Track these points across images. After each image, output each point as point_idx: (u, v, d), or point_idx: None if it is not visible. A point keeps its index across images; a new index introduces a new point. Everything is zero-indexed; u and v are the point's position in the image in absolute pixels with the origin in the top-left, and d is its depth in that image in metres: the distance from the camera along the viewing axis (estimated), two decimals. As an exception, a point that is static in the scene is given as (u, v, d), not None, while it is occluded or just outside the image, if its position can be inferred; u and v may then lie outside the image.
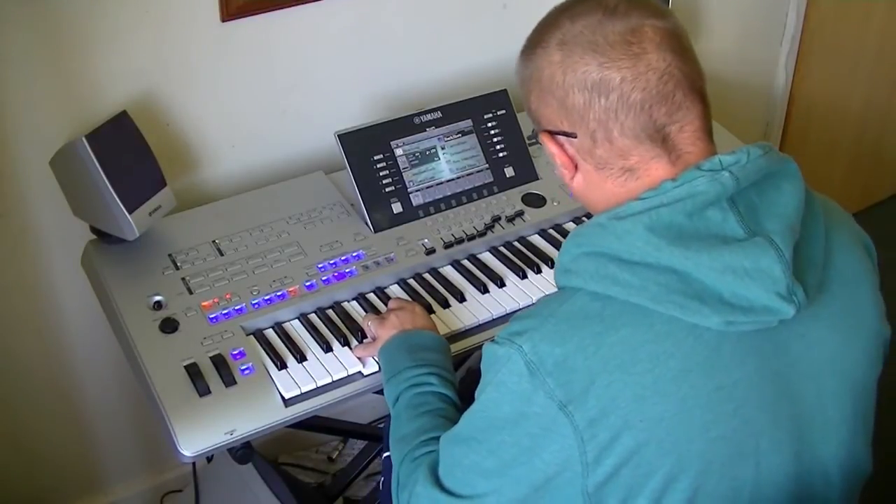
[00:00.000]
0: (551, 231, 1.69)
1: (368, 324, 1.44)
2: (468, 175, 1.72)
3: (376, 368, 1.40)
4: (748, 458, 1.01)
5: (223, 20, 1.67)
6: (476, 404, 1.07)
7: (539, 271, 1.59)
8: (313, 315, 1.50)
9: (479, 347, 1.46)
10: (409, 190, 1.67)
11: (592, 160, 1.04)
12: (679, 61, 1.01)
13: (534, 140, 1.17)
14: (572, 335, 0.98)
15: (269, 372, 1.38)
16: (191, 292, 1.49)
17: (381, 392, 1.38)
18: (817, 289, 1.03)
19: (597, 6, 1.02)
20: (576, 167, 1.07)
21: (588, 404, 0.97)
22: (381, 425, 1.99)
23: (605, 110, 1.00)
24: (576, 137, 1.04)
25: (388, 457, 1.49)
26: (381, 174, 1.65)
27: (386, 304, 1.50)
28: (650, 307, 0.97)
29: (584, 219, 1.71)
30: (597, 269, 0.99)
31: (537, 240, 1.68)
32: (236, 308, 1.46)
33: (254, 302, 1.48)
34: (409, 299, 1.51)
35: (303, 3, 1.74)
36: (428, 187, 1.68)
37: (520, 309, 1.52)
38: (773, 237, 0.98)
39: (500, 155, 1.74)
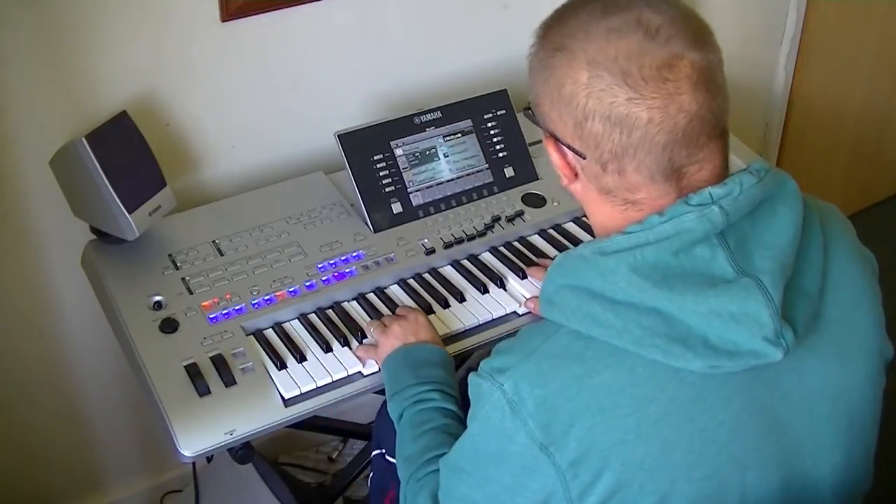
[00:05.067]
0: (551, 231, 1.69)
1: (371, 329, 1.44)
2: (468, 175, 1.72)
3: (376, 368, 1.40)
4: (733, 490, 1.00)
5: (223, 20, 1.67)
6: (466, 435, 1.07)
7: (539, 271, 1.59)
8: (313, 315, 1.50)
9: (479, 348, 1.47)
10: (409, 190, 1.67)
11: (597, 183, 1.00)
12: (711, 101, 0.96)
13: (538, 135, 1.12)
14: (553, 376, 0.97)
15: (268, 372, 1.38)
16: (191, 292, 1.49)
17: (380, 392, 1.39)
18: (811, 320, 1.00)
19: (637, 25, 0.94)
20: (576, 177, 1.03)
21: (569, 446, 0.96)
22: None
23: (624, 147, 0.95)
24: (585, 159, 0.99)
25: (378, 455, 1.50)
26: (381, 174, 1.65)
27: (386, 305, 1.51)
28: (632, 350, 0.95)
29: (584, 219, 1.71)
30: (579, 307, 0.97)
31: (537, 240, 1.67)
32: (236, 308, 1.46)
33: (254, 302, 1.48)
34: (417, 307, 1.50)
35: (303, 3, 1.74)
36: (428, 187, 1.68)
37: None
38: (761, 278, 0.94)
39: (500, 155, 1.74)
